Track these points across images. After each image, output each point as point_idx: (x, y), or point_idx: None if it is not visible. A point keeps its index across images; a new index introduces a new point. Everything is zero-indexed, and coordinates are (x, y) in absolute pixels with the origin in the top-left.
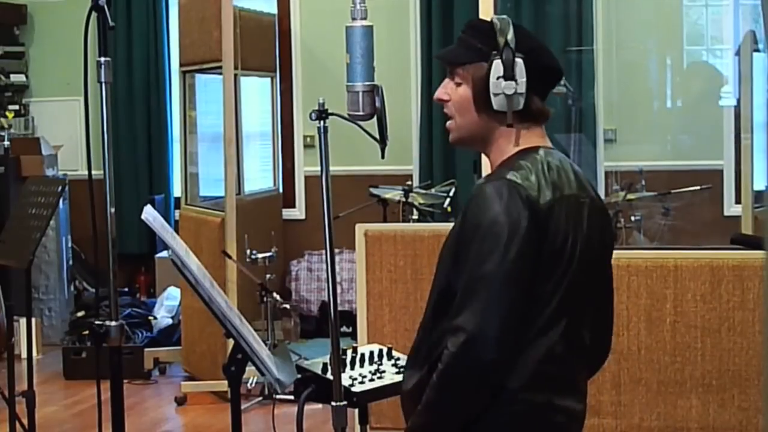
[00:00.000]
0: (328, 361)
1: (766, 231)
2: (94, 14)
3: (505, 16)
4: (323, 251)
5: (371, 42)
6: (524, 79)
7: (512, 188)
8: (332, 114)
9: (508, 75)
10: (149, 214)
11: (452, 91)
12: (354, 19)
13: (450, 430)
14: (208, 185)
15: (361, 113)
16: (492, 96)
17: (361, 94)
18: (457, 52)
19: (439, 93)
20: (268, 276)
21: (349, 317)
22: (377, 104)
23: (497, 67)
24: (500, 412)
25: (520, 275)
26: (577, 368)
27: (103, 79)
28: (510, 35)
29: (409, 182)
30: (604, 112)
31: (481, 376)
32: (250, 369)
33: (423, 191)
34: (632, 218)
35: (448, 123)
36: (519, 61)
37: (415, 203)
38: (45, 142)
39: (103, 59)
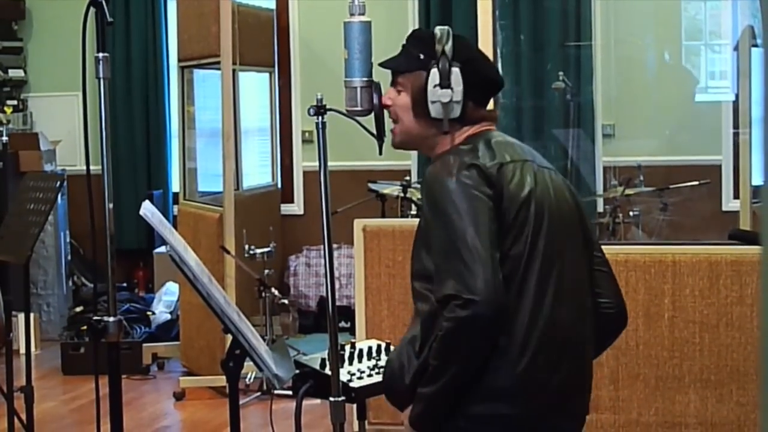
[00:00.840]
0: (326, 357)
1: (763, 226)
2: (92, 10)
3: (446, 27)
4: (321, 246)
5: (369, 37)
6: (460, 88)
7: (455, 158)
8: (330, 109)
9: (444, 83)
10: (147, 209)
11: (394, 98)
12: (352, 14)
13: (455, 390)
14: (206, 180)
15: (359, 109)
16: (429, 103)
17: (359, 89)
18: (399, 60)
19: (384, 99)
20: (266, 271)
21: (348, 312)
22: (375, 100)
23: (434, 75)
24: (502, 372)
25: (486, 228)
26: (570, 330)
27: (101, 75)
28: (448, 45)
29: (407, 177)
30: (602, 107)
31: (481, 328)
32: (248, 364)
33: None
34: (630, 213)
35: (392, 127)
36: (455, 70)
37: (414, 198)
38: (43, 137)
39: (101, 55)
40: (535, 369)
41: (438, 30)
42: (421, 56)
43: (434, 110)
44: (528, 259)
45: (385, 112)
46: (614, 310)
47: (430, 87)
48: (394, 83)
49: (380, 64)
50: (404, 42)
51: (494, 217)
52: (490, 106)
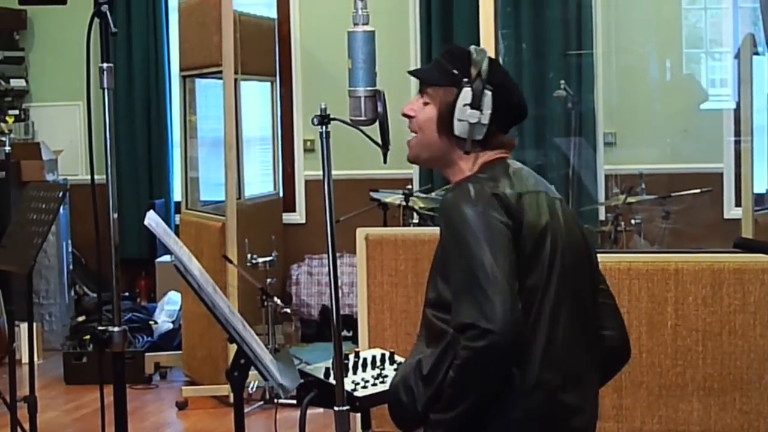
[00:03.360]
0: (330, 366)
1: None
2: (96, 20)
3: (483, 48)
4: (324, 255)
5: (373, 47)
6: (489, 112)
7: (475, 186)
8: (334, 119)
9: (475, 104)
10: (152, 219)
11: (419, 109)
12: (356, 24)
13: (467, 420)
14: (208, 190)
15: (363, 118)
16: (456, 121)
17: (363, 99)
18: (431, 72)
19: (406, 108)
20: (268, 280)
21: (350, 321)
22: (379, 109)
23: (466, 94)
24: (514, 405)
25: (505, 258)
26: (580, 362)
27: (105, 85)
28: (484, 66)
29: (410, 186)
30: (603, 116)
31: (498, 357)
32: (251, 373)
33: (423, 195)
34: (633, 221)
35: (409, 140)
36: (488, 93)
37: (416, 207)
38: (45, 146)
39: (105, 65)
40: (548, 401)
41: (474, 49)
42: (455, 72)
43: (459, 128)
44: (543, 290)
45: (389, 122)
46: (618, 343)
47: (459, 105)
48: (421, 93)
49: (411, 73)
50: (439, 55)
51: (513, 247)
52: None
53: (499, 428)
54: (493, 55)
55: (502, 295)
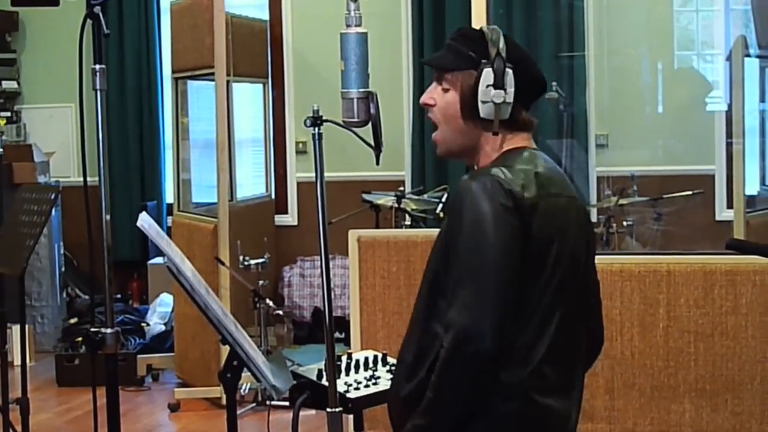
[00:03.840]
0: (323, 368)
1: None
2: (88, 21)
3: (495, 27)
4: (316, 257)
5: (366, 49)
6: (513, 89)
7: (495, 182)
8: (327, 121)
9: (498, 84)
10: (145, 221)
11: (439, 97)
12: (348, 26)
13: (449, 428)
14: (200, 191)
15: (356, 120)
16: (480, 103)
17: (356, 100)
18: (447, 58)
19: (425, 98)
20: (260, 282)
21: (342, 323)
22: (372, 111)
23: (488, 75)
24: (500, 410)
25: (507, 266)
26: (574, 365)
27: (98, 87)
28: (501, 44)
29: (402, 188)
30: (595, 118)
31: (478, 366)
32: (244, 375)
33: (415, 197)
34: (624, 223)
35: (434, 135)
36: (509, 71)
37: (408, 209)
38: (37, 148)
39: (98, 67)
40: (536, 405)
41: (488, 28)
42: (472, 54)
43: (485, 110)
44: (539, 296)
45: (381, 122)
46: (597, 343)
47: (481, 87)
48: (439, 80)
49: (424, 61)
50: (449, 39)
51: (519, 251)
52: None
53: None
54: None
55: (495, 304)
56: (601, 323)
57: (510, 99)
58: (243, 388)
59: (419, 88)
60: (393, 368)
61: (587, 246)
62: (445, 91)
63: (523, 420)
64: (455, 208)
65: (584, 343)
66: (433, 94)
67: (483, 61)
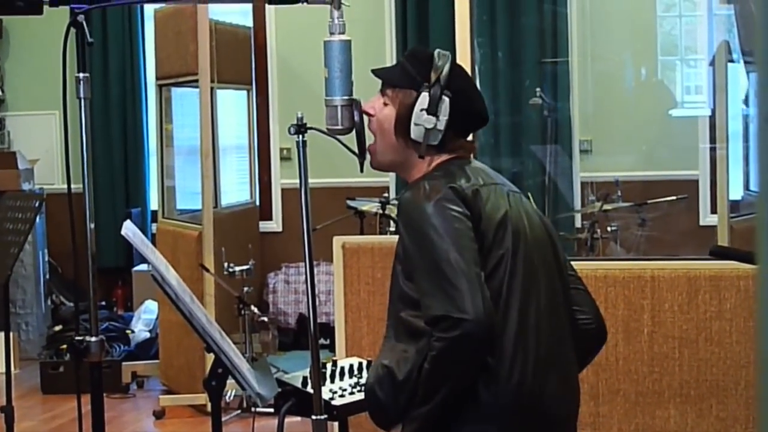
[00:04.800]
0: (308, 375)
1: (757, 244)
2: (72, 30)
3: (447, 52)
4: (300, 264)
5: (349, 56)
6: (446, 118)
7: (431, 183)
8: (311, 128)
9: (432, 110)
10: (129, 229)
11: (378, 109)
12: (332, 33)
13: (445, 410)
14: (184, 198)
15: (339, 127)
16: (412, 125)
17: (339, 108)
18: (393, 73)
19: (366, 106)
20: (245, 289)
21: (327, 329)
22: (356, 118)
23: (423, 99)
24: (491, 395)
25: (467, 247)
26: (555, 349)
27: (82, 95)
28: (444, 72)
29: (386, 194)
30: (579, 123)
31: (474, 349)
32: (228, 382)
33: None
34: (609, 229)
35: (369, 144)
36: (446, 99)
37: (392, 215)
38: (21, 156)
39: (82, 75)
40: (524, 389)
41: (437, 53)
42: (416, 76)
43: (415, 132)
44: (509, 280)
45: (366, 129)
46: (594, 325)
47: (416, 110)
48: (383, 93)
49: (373, 71)
50: (402, 57)
51: (474, 237)
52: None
53: (476, 417)
54: (469, 63)
55: (470, 285)
56: (597, 309)
57: (441, 126)
58: (228, 395)
59: None
60: None
61: (547, 231)
62: (385, 105)
63: (513, 403)
64: (402, 222)
65: (569, 332)
66: (375, 104)
67: (425, 84)
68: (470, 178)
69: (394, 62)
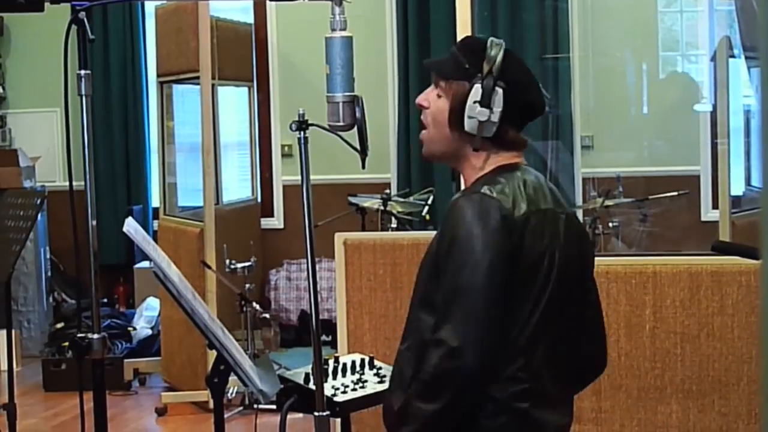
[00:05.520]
0: (310, 371)
1: (761, 238)
2: (73, 27)
3: (500, 41)
4: (302, 260)
5: (351, 53)
6: (500, 109)
7: (486, 201)
8: (313, 125)
9: (485, 102)
10: (131, 226)
11: (432, 101)
12: (334, 30)
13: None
14: (186, 195)
15: (341, 124)
16: (466, 117)
17: (341, 104)
18: (445, 65)
19: (420, 99)
20: (247, 286)
21: (329, 326)
22: (358, 115)
23: (476, 91)
24: (490, 424)
25: (496, 286)
26: (559, 383)
27: (83, 92)
28: (497, 62)
29: (388, 191)
30: (581, 119)
31: (462, 386)
32: (231, 379)
33: (401, 199)
34: (610, 224)
35: (422, 134)
36: (499, 90)
37: (394, 212)
38: (22, 153)
39: (83, 72)
40: (526, 420)
41: (491, 42)
42: (468, 67)
43: (469, 125)
44: (529, 313)
45: (368, 127)
46: (594, 356)
47: (469, 102)
48: (436, 84)
49: (426, 63)
50: (454, 47)
51: (507, 270)
52: None
53: None
54: None
55: (483, 324)
56: (603, 340)
57: (495, 119)
58: (230, 391)
59: (404, 90)
60: (380, 371)
61: (581, 260)
62: (439, 96)
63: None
64: (446, 225)
65: (578, 356)
66: (429, 96)
67: (477, 75)
68: (525, 200)
69: (396, 59)
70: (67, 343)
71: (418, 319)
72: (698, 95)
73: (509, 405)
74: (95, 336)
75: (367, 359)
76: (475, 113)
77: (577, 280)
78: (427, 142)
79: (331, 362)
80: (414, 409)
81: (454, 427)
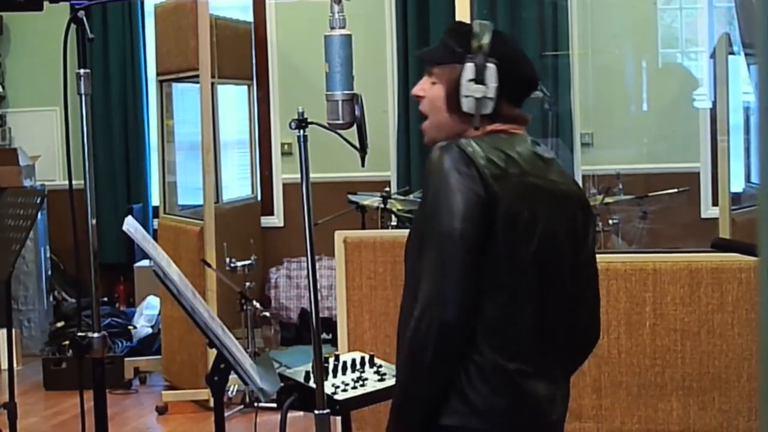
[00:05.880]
0: (310, 370)
1: (759, 236)
2: (72, 26)
3: (487, 22)
4: (302, 258)
5: (350, 51)
6: (495, 85)
7: (459, 151)
8: (312, 123)
9: (479, 79)
10: (131, 225)
11: (428, 89)
12: (333, 28)
13: (421, 404)
14: (186, 194)
15: (340, 122)
16: (462, 98)
17: (340, 102)
18: (435, 51)
19: (416, 89)
20: (247, 284)
21: (329, 324)
22: (357, 113)
23: (469, 69)
24: (476, 390)
25: (466, 233)
26: (548, 353)
27: (82, 91)
28: (486, 40)
29: (387, 188)
30: (580, 117)
31: (440, 335)
32: (231, 377)
33: (401, 197)
34: (610, 222)
35: (423, 123)
36: (491, 66)
37: (394, 209)
38: (22, 152)
39: (82, 71)
40: (509, 385)
41: (477, 24)
42: (458, 49)
43: (466, 104)
44: (513, 277)
45: (366, 124)
46: (592, 330)
47: (463, 81)
48: (429, 73)
49: (417, 54)
50: (443, 34)
51: (480, 218)
52: None
53: (459, 410)
54: None
55: (459, 274)
56: (597, 317)
57: (491, 94)
58: (230, 390)
59: (404, 88)
60: (380, 369)
61: (576, 235)
62: (433, 84)
63: (501, 401)
64: (424, 176)
65: (569, 330)
66: (423, 86)
67: (468, 55)
68: (503, 160)
69: (396, 57)
70: (67, 342)
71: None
72: (695, 87)
73: (496, 372)
74: (95, 335)
75: (367, 357)
76: (470, 91)
77: (570, 253)
78: (428, 129)
79: (331, 360)
80: (401, 368)
81: (437, 389)
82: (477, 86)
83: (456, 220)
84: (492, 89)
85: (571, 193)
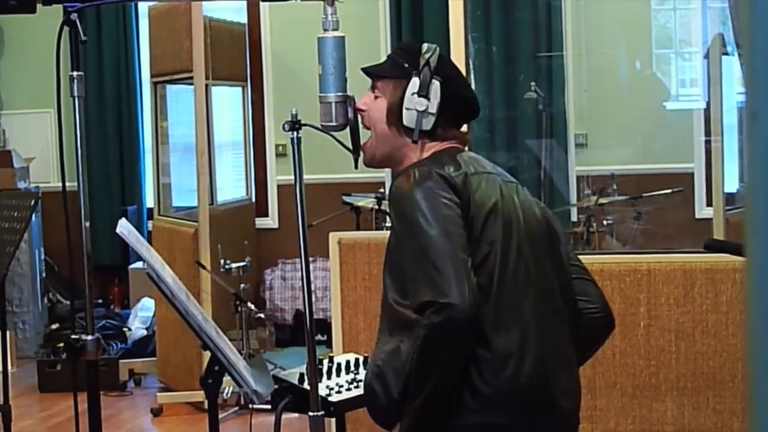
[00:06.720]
0: (304, 372)
1: (747, 237)
2: (65, 28)
3: (435, 45)
4: (297, 260)
5: (343, 53)
6: (437, 101)
7: (420, 169)
8: (305, 125)
9: (423, 93)
10: (124, 227)
11: (370, 103)
12: (326, 30)
13: (438, 402)
14: (180, 196)
15: (334, 124)
16: (404, 110)
17: (333, 104)
18: (383, 66)
19: (359, 103)
20: (242, 286)
21: (324, 325)
22: (350, 115)
23: (414, 83)
24: (487, 384)
25: (455, 235)
26: (553, 340)
27: (75, 94)
28: (434, 58)
29: (382, 190)
30: (574, 117)
31: (458, 335)
32: (225, 379)
33: None
34: (604, 222)
35: (364, 142)
36: (436, 83)
37: (388, 210)
38: (16, 154)
39: (75, 74)
40: (521, 377)
41: (425, 45)
42: (405, 65)
43: (407, 117)
44: (500, 270)
45: (360, 126)
46: (601, 314)
47: (407, 94)
48: (373, 88)
49: (363, 69)
50: (392, 51)
51: (462, 224)
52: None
53: (474, 407)
54: (463, 58)
55: (456, 270)
56: (603, 302)
57: (433, 109)
58: (225, 391)
59: None
60: None
61: (547, 223)
62: (376, 98)
63: (506, 396)
64: (392, 209)
65: (570, 322)
66: (366, 99)
67: (415, 71)
68: (461, 166)
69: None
70: (62, 344)
71: (394, 311)
72: (668, 94)
73: (501, 368)
74: (89, 337)
75: (361, 359)
76: (413, 104)
77: (547, 238)
78: (368, 147)
79: (325, 362)
80: (416, 380)
81: (451, 390)
82: (420, 99)
83: (436, 228)
84: (434, 105)
85: (520, 186)
